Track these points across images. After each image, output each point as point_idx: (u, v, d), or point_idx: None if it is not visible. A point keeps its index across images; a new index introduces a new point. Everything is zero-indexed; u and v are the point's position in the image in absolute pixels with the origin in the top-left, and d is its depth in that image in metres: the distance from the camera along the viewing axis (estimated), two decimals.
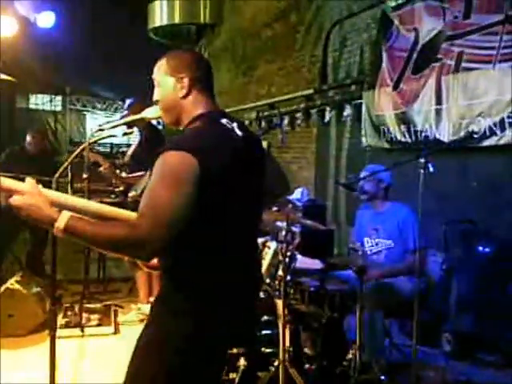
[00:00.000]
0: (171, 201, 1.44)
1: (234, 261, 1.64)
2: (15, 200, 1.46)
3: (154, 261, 1.62)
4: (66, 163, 2.01)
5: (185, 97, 1.66)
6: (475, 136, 3.54)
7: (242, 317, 1.68)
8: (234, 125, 1.65)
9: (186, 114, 1.67)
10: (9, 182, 1.48)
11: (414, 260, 2.85)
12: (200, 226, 1.51)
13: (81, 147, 2.02)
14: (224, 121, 1.65)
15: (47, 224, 1.45)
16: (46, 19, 5.16)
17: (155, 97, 1.73)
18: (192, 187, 1.46)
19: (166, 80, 1.69)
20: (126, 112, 4.33)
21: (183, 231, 1.47)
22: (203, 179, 1.47)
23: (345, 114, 5.68)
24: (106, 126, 1.97)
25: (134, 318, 4.29)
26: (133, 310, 4.45)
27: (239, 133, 1.65)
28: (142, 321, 3.84)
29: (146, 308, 4.11)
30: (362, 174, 3.38)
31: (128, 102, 4.45)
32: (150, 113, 1.76)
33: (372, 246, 3.36)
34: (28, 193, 1.47)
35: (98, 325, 4.11)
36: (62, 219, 1.43)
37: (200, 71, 1.70)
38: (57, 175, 1.90)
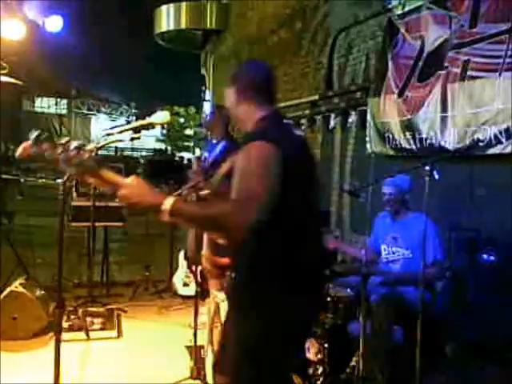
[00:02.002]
0: (262, 183, 1.60)
1: (309, 250, 1.78)
2: (123, 192, 1.60)
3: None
4: (66, 176, 2.00)
5: (238, 105, 1.88)
6: (480, 144, 3.54)
7: (317, 307, 1.90)
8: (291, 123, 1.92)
9: (246, 119, 1.88)
10: (113, 176, 1.60)
11: (432, 273, 2.88)
12: (281, 212, 1.64)
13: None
14: (285, 120, 1.89)
15: (154, 208, 1.57)
16: (54, 23, 5.18)
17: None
18: (277, 172, 1.63)
19: (228, 90, 1.91)
20: (208, 118, 4.52)
21: (265, 220, 1.60)
22: (284, 167, 1.64)
23: (350, 120, 5.69)
24: (114, 130, 1.98)
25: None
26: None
27: (296, 131, 1.90)
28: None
29: None
30: (388, 189, 3.35)
31: (210, 110, 4.66)
32: (159, 118, 1.77)
33: (389, 254, 3.34)
34: (132, 184, 1.60)
35: (101, 329, 4.11)
36: (168, 202, 1.55)
37: (249, 80, 1.89)
38: (64, 178, 1.90)
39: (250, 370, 1.75)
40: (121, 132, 1.88)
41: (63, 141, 1.62)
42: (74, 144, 1.61)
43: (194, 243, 4.45)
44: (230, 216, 1.57)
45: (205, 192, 2.28)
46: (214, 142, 4.50)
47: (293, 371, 2.56)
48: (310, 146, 1.95)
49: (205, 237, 4.35)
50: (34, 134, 1.62)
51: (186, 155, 22.39)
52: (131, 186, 1.60)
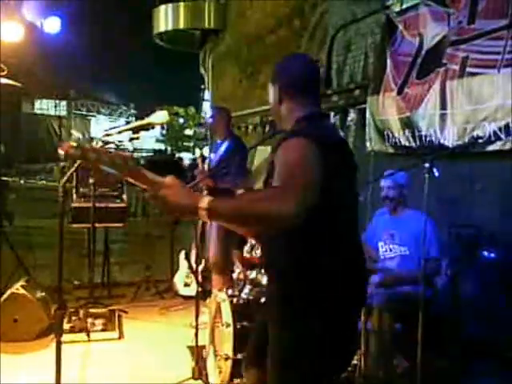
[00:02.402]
0: (305, 175, 1.54)
1: (349, 252, 1.74)
2: (162, 192, 1.55)
3: None
4: (73, 168, 2.01)
5: (280, 103, 1.83)
6: (480, 141, 3.53)
7: (360, 309, 1.84)
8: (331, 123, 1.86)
9: (286, 118, 1.83)
10: (153, 176, 1.58)
11: (432, 269, 2.88)
12: (321, 214, 1.57)
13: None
14: (325, 120, 1.87)
15: (192, 208, 1.52)
16: (52, 25, 5.19)
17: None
18: (318, 168, 1.57)
19: (270, 88, 1.87)
20: (210, 120, 4.61)
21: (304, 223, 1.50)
22: (325, 166, 1.58)
23: (349, 118, 5.68)
24: (113, 131, 1.98)
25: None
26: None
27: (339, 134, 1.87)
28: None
29: None
30: (386, 182, 3.36)
31: (211, 112, 4.76)
32: (158, 118, 1.77)
33: (386, 251, 3.35)
34: (170, 184, 1.56)
35: (103, 330, 4.11)
36: (205, 201, 1.50)
37: (292, 78, 1.82)
38: (64, 180, 1.90)
39: (288, 380, 1.71)
40: (120, 132, 1.88)
41: (101, 143, 1.63)
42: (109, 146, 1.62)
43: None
44: (275, 200, 1.48)
45: (240, 191, 2.29)
46: (219, 141, 4.55)
47: None
48: (352, 153, 1.89)
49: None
50: (76, 137, 1.64)
51: (186, 155, 22.39)
52: (170, 186, 1.56)
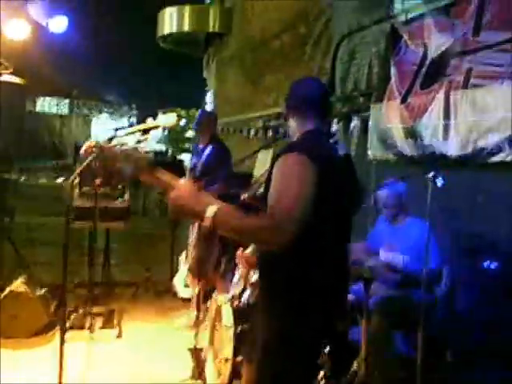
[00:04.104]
0: (299, 194, 1.67)
1: (334, 260, 1.88)
2: (173, 194, 1.64)
3: None
4: (80, 168, 2.03)
5: (285, 119, 2.06)
6: (483, 152, 3.56)
7: (337, 315, 1.95)
8: (332, 141, 2.02)
9: (293, 132, 2.01)
10: (168, 177, 1.65)
11: (432, 278, 2.90)
12: (311, 225, 1.69)
13: (86, 161, 2.02)
14: (323, 137, 1.98)
15: (197, 214, 1.65)
16: (58, 24, 5.19)
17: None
18: (313, 185, 1.70)
19: (286, 104, 2.05)
20: (196, 122, 4.61)
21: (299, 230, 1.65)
22: (318, 182, 1.71)
23: (352, 125, 5.70)
24: (120, 132, 2.00)
25: (185, 324, 4.32)
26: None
27: (338, 149, 1.98)
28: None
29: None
30: (384, 191, 3.39)
31: (199, 114, 4.74)
32: (167, 120, 1.79)
33: (386, 258, 3.36)
34: (182, 187, 1.65)
35: (102, 328, 4.12)
36: (210, 212, 1.63)
37: (295, 98, 2.02)
38: (72, 178, 1.92)
39: (270, 369, 1.85)
40: (129, 134, 1.89)
41: (119, 143, 1.68)
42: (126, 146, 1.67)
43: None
44: (268, 232, 1.64)
45: (245, 196, 2.37)
46: (201, 146, 4.53)
47: None
48: (354, 170, 2.04)
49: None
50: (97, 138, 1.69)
51: (187, 157, 22.35)
52: (182, 188, 1.65)
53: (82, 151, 1.50)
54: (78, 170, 2.00)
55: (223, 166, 4.15)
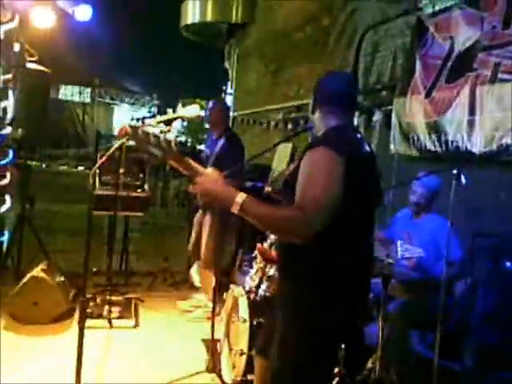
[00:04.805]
0: (327, 187, 1.69)
1: (361, 252, 1.91)
2: (201, 179, 1.69)
3: None
4: (104, 158, 2.03)
5: (312, 112, 2.03)
6: (508, 149, 3.48)
7: (360, 308, 2.00)
8: (359, 136, 1.99)
9: (318, 126, 2.00)
10: (194, 164, 1.70)
11: (453, 273, 2.85)
12: (339, 218, 1.72)
13: (119, 143, 2.04)
14: (354, 132, 1.99)
15: (226, 201, 1.68)
16: (84, 13, 5.21)
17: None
18: (340, 179, 1.72)
19: (314, 97, 2.03)
20: (207, 114, 4.51)
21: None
22: (345, 176, 1.72)
23: (374, 119, 5.63)
24: (148, 121, 1.99)
25: (201, 316, 4.36)
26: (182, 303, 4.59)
27: (366, 145, 1.97)
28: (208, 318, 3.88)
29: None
30: (419, 188, 3.35)
31: (210, 104, 4.63)
32: (189, 112, 1.78)
33: (403, 250, 3.33)
34: (211, 174, 1.70)
35: (119, 317, 4.16)
36: (241, 197, 1.67)
37: (324, 93, 2.00)
38: (95, 168, 1.93)
39: (292, 361, 1.86)
40: (154, 125, 1.88)
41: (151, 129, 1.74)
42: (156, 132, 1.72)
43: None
44: (296, 223, 1.67)
45: (268, 189, 2.40)
46: (214, 137, 4.47)
47: None
48: (377, 166, 2.05)
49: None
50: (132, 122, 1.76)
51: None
52: (209, 175, 1.70)
53: (116, 132, 1.55)
54: (100, 161, 2.00)
55: (235, 160, 4.06)
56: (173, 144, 1.64)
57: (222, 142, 4.37)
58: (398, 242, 3.36)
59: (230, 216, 4.21)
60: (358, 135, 2.01)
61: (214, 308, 3.33)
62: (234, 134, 4.63)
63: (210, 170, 1.72)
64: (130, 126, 1.59)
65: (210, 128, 4.67)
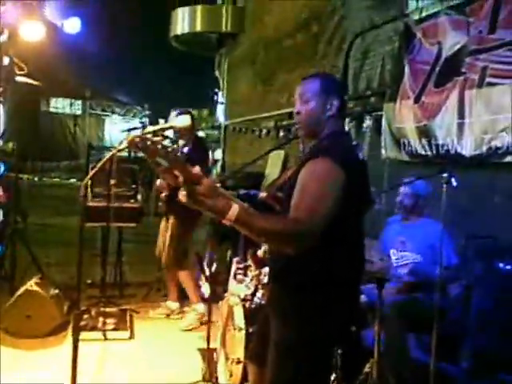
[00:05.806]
0: (325, 200, 1.69)
1: (357, 261, 1.93)
2: (200, 188, 1.64)
3: None
4: (96, 169, 2.03)
5: (331, 117, 1.91)
6: (498, 151, 3.51)
7: (354, 314, 1.99)
8: (354, 143, 2.02)
9: (324, 130, 1.92)
10: (196, 173, 1.65)
11: (448, 276, 2.87)
12: (337, 228, 1.73)
13: (110, 154, 2.04)
14: (350, 140, 2.00)
15: (219, 213, 1.63)
16: (73, 25, 5.23)
17: (297, 109, 1.96)
18: (339, 191, 1.72)
19: (316, 98, 1.91)
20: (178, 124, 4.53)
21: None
22: (345, 191, 1.72)
23: (364, 125, 5.67)
24: (134, 134, 2.00)
25: (194, 322, 4.38)
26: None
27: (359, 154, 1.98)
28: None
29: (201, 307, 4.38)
30: (404, 189, 3.37)
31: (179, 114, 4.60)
32: (180, 122, 1.79)
33: (398, 258, 3.34)
34: (209, 184, 1.66)
35: (114, 329, 4.13)
36: (233, 212, 1.62)
37: (344, 98, 1.98)
38: (86, 179, 1.93)
39: (290, 370, 1.85)
40: (149, 133, 1.89)
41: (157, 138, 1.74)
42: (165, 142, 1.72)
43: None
44: (289, 237, 1.67)
45: (262, 195, 2.38)
46: (180, 146, 4.49)
47: None
48: (366, 168, 2.04)
49: None
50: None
51: None
52: (207, 185, 1.66)
53: (125, 142, 1.55)
54: (91, 173, 2.00)
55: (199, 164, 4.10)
56: (178, 154, 1.65)
57: (186, 149, 4.40)
58: (391, 251, 3.37)
59: (192, 220, 4.30)
60: (353, 142, 2.03)
61: (209, 317, 3.32)
62: (199, 140, 4.70)
63: (208, 180, 1.69)
64: (138, 137, 1.59)
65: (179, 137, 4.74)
